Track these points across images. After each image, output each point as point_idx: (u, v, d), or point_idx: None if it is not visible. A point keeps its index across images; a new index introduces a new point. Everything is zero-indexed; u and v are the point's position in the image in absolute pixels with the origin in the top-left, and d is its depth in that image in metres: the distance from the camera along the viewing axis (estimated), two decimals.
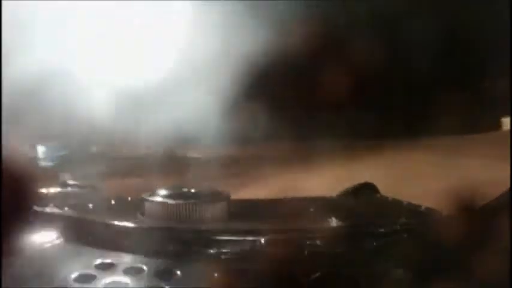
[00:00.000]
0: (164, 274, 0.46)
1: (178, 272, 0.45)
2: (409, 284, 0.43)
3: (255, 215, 0.67)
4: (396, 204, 0.66)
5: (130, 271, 0.46)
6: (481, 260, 0.39)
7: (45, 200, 0.66)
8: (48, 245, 0.50)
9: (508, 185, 0.50)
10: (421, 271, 0.42)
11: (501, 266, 0.38)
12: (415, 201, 0.69)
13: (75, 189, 0.77)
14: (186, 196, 0.63)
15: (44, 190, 0.72)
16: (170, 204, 0.61)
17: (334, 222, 0.58)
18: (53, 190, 0.77)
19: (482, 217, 0.48)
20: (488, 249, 0.41)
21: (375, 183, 0.80)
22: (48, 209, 0.63)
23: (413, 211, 0.62)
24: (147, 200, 0.64)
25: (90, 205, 0.71)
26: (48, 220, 0.57)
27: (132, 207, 0.68)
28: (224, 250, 0.50)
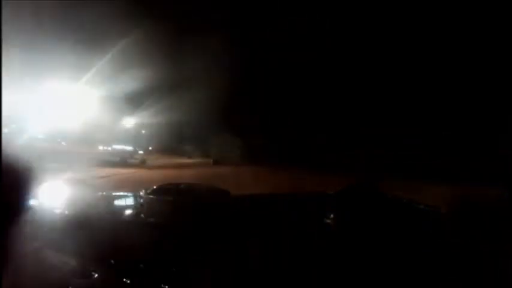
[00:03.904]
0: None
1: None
2: None
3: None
4: (395, 202, 0.65)
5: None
6: (478, 259, 0.39)
7: (45, 196, 0.66)
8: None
9: None
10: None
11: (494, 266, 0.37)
12: None
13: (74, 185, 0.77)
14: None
15: (42, 187, 0.72)
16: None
17: None
18: (52, 187, 0.76)
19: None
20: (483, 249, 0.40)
21: None
22: (47, 206, 0.62)
23: (413, 209, 0.62)
24: (146, 197, 0.64)
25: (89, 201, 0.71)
26: (48, 216, 0.57)
27: (132, 203, 0.68)
28: None
